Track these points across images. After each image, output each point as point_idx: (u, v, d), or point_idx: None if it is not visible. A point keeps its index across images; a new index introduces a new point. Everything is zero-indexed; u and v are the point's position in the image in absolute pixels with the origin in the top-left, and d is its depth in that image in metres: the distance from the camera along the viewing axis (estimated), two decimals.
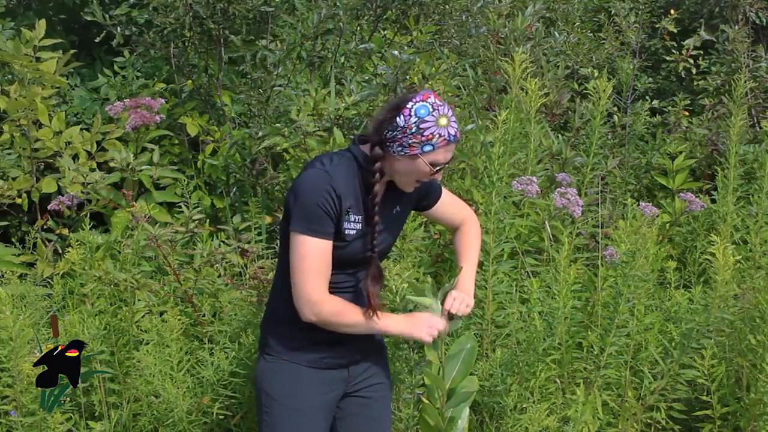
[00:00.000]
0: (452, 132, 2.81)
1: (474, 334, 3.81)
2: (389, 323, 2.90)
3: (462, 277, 3.10)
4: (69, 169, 4.74)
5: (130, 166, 4.49)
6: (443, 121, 2.78)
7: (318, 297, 2.80)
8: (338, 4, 5.01)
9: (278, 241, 3.10)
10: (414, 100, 2.79)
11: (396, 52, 4.80)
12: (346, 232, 2.82)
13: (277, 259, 3.08)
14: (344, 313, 2.84)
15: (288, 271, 2.86)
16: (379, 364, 3.11)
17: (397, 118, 2.78)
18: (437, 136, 2.78)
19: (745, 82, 5.01)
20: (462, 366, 3.01)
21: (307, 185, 2.79)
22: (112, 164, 4.68)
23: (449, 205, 3.22)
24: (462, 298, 3.00)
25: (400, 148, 2.79)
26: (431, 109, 2.77)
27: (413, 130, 2.77)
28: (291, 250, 2.82)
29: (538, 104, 4.38)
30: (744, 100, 6.32)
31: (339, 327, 2.87)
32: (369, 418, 3.09)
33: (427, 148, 2.79)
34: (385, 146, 2.82)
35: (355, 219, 2.84)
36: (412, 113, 2.77)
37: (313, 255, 2.78)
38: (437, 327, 2.91)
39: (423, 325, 2.90)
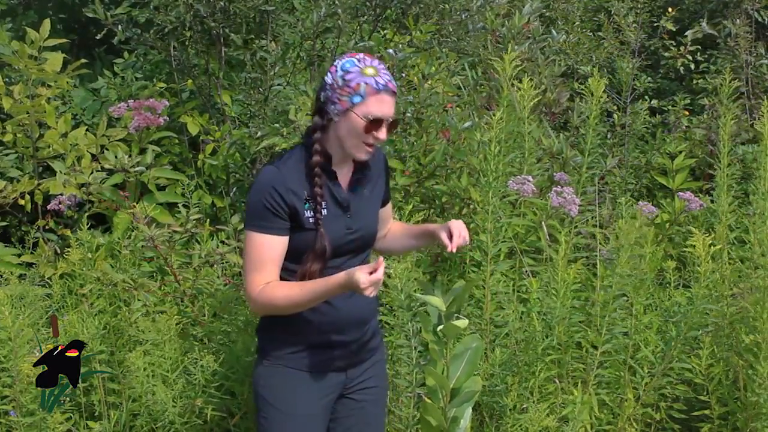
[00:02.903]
0: (382, 81, 2.76)
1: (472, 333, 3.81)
2: (330, 288, 2.74)
3: (438, 225, 3.03)
4: (61, 172, 4.75)
5: (125, 169, 4.51)
6: (370, 71, 2.75)
7: (252, 292, 2.79)
8: (337, 2, 5.01)
9: None
10: (341, 58, 2.78)
11: (391, 51, 4.80)
12: (310, 221, 2.80)
13: None
14: (275, 291, 2.77)
15: None
16: (376, 368, 3.10)
17: (326, 77, 2.77)
18: (364, 85, 2.74)
19: (730, 81, 5.01)
20: (467, 366, 3.00)
21: (257, 183, 2.81)
22: (107, 166, 4.69)
23: (390, 213, 3.20)
24: (458, 226, 2.93)
25: (333, 107, 2.77)
26: (356, 62, 2.76)
27: (339, 84, 2.75)
28: (243, 247, 2.84)
29: (532, 103, 4.38)
30: (743, 100, 6.34)
31: (282, 307, 2.79)
32: (362, 421, 3.09)
33: (357, 99, 2.74)
34: (323, 112, 2.79)
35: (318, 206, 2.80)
36: (338, 69, 2.76)
37: (257, 249, 2.79)
38: (376, 277, 2.65)
39: (361, 281, 2.63)
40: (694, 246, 3.85)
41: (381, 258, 2.67)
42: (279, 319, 2.90)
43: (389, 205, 3.16)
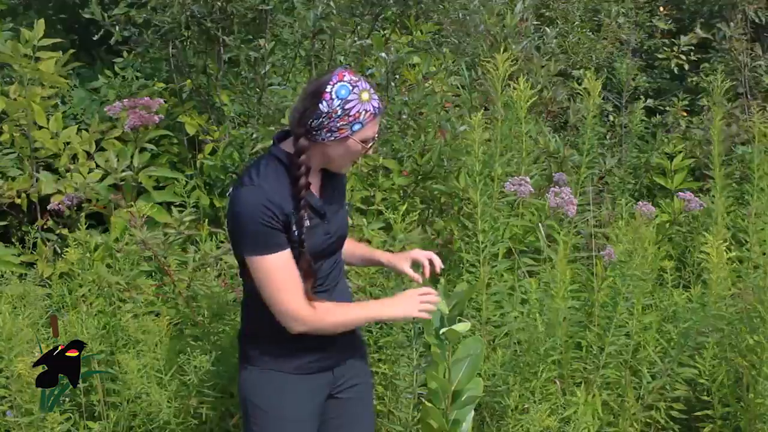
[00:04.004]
0: (376, 105, 2.78)
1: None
2: (381, 309, 2.88)
3: (391, 255, 3.19)
4: (50, 173, 4.73)
5: (117, 171, 4.52)
6: (365, 96, 2.74)
7: (302, 311, 2.76)
8: (331, 3, 4.99)
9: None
10: (331, 82, 2.72)
11: (383, 54, 4.79)
12: (296, 235, 2.77)
13: (242, 281, 3.03)
14: (332, 315, 2.82)
15: (254, 292, 2.83)
16: (360, 364, 3.10)
17: (320, 105, 2.71)
18: (364, 112, 2.74)
19: (723, 81, 5.01)
20: (468, 369, 3.00)
21: (244, 207, 2.72)
22: (97, 171, 4.68)
23: None
24: (430, 256, 3.09)
25: (329, 134, 2.74)
26: (351, 88, 2.73)
27: (339, 113, 2.72)
28: (254, 275, 2.76)
29: (528, 102, 4.36)
30: (742, 100, 6.35)
31: (332, 329, 2.85)
32: (351, 419, 3.08)
33: (357, 126, 2.75)
34: (312, 135, 2.75)
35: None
36: (334, 96, 2.71)
37: (278, 270, 2.74)
38: (431, 299, 2.85)
39: (414, 301, 2.84)
40: (707, 253, 3.83)
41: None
42: (263, 331, 2.89)
43: None
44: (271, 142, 2.91)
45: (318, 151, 2.79)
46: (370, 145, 2.83)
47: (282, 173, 2.78)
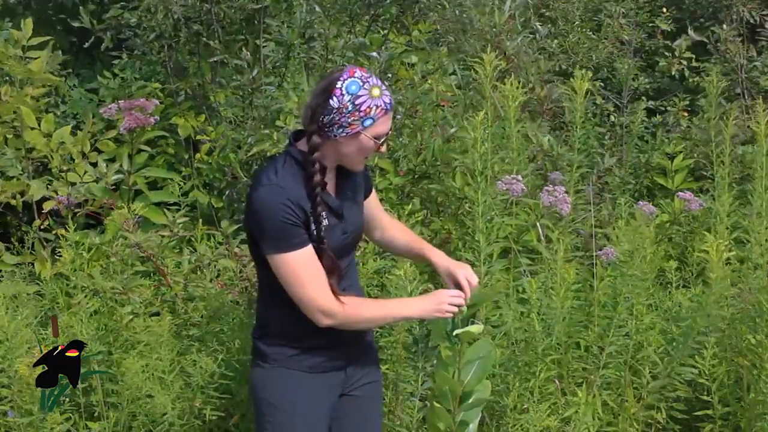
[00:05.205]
0: (387, 101, 2.77)
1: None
2: (408, 306, 2.91)
3: (442, 258, 3.06)
4: (47, 180, 4.72)
5: (107, 176, 4.52)
6: (376, 91, 2.74)
7: (329, 304, 2.77)
8: (317, 8, 4.96)
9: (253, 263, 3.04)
10: (342, 78, 2.73)
11: (375, 54, 4.78)
12: (315, 234, 2.78)
13: (257, 279, 3.03)
14: (361, 309, 2.85)
15: (269, 290, 2.85)
16: (370, 363, 3.10)
17: (330, 101, 2.72)
18: (375, 108, 2.74)
19: (719, 82, 5.02)
20: (478, 371, 2.98)
21: (265, 206, 2.73)
22: (86, 178, 4.67)
23: (378, 203, 3.20)
24: (467, 269, 2.99)
25: (340, 130, 2.74)
26: (361, 83, 2.73)
27: (350, 108, 2.72)
28: (277, 273, 2.77)
29: (517, 102, 4.36)
30: (740, 101, 6.36)
31: (361, 324, 2.88)
32: (362, 417, 3.08)
33: (368, 122, 2.74)
34: (324, 132, 2.76)
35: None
36: (344, 91, 2.71)
37: (302, 266, 2.75)
38: (456, 301, 2.86)
39: (442, 303, 2.86)
40: (707, 251, 3.83)
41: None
42: (278, 323, 2.90)
43: (374, 194, 3.16)
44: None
45: (331, 148, 2.79)
46: (382, 141, 2.81)
47: (299, 173, 2.78)
